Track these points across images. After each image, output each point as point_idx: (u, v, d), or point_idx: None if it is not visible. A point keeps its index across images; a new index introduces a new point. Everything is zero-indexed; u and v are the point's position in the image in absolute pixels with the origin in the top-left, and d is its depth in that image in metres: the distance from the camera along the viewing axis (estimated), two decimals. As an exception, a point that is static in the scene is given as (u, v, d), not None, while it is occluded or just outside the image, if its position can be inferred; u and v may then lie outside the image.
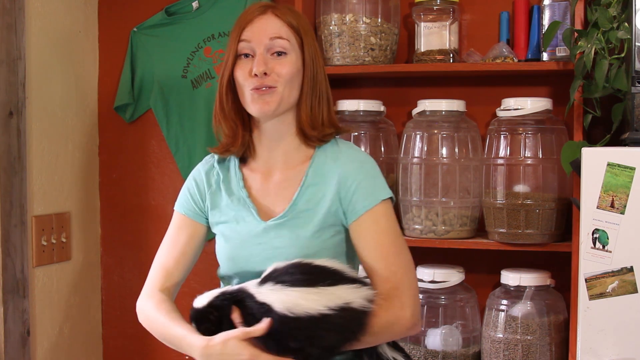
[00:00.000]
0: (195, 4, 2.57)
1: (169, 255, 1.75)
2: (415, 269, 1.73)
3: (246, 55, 1.63)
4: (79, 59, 2.62)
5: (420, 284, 2.25)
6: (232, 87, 1.67)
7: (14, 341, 2.30)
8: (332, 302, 1.47)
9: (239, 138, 1.70)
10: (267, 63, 1.60)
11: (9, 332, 2.28)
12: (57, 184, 2.51)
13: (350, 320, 1.50)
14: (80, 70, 2.62)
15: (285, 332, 1.48)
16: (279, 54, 1.62)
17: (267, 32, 1.62)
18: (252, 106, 1.63)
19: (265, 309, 1.48)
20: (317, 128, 1.67)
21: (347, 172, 1.64)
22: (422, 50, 2.27)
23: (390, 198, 1.65)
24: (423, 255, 2.44)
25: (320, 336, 1.49)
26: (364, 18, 2.26)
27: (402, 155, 2.27)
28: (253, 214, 1.67)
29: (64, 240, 2.53)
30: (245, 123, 1.71)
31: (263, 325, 1.47)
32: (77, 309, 2.62)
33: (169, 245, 1.76)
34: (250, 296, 1.52)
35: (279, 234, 1.64)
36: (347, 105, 2.30)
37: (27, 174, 2.35)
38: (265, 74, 1.60)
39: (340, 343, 1.52)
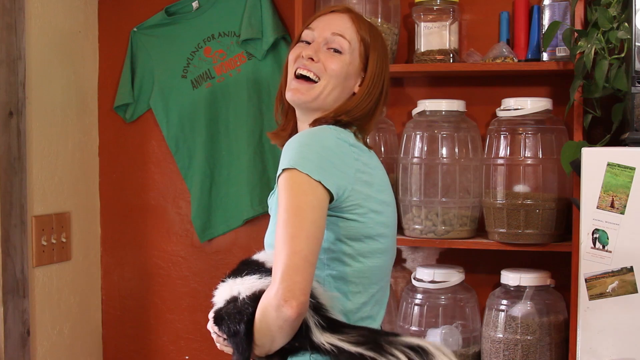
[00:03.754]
0: (195, 4, 2.57)
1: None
2: (313, 248, 1.40)
3: (307, 43, 1.62)
4: (79, 59, 2.62)
5: (420, 284, 2.25)
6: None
7: (14, 341, 2.30)
8: (228, 295, 1.49)
9: (288, 125, 1.69)
10: (317, 52, 1.58)
11: (9, 332, 2.28)
12: (57, 184, 2.51)
13: (236, 313, 1.46)
14: (80, 70, 2.62)
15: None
16: (335, 50, 1.59)
17: (331, 26, 1.60)
18: (288, 92, 1.61)
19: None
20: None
21: None
22: (422, 50, 2.27)
23: (297, 169, 1.43)
24: (423, 255, 2.44)
25: (222, 326, 1.50)
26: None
27: (402, 155, 2.27)
28: None
29: (64, 240, 2.53)
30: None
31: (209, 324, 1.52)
32: (77, 309, 2.61)
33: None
34: None
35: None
36: (347, 105, 2.29)
37: (27, 174, 2.35)
38: (312, 59, 1.58)
39: (237, 337, 1.47)
